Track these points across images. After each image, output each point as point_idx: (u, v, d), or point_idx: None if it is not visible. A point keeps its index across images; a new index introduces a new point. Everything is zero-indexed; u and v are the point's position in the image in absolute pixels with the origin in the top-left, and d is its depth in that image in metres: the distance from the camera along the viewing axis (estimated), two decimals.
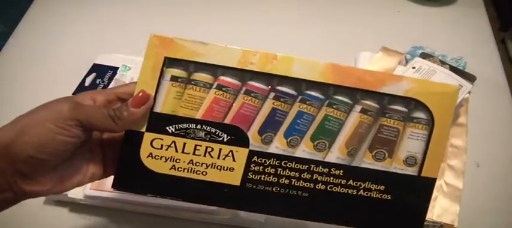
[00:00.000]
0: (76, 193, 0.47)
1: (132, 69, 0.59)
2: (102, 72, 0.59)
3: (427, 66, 0.58)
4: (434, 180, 0.36)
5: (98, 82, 0.58)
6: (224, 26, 0.74)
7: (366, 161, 0.36)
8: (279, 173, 0.35)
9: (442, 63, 0.59)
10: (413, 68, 0.58)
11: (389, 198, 0.35)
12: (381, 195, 0.35)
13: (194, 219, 0.49)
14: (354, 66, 0.66)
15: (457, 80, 0.56)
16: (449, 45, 0.68)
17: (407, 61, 0.63)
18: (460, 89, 0.55)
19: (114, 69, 0.59)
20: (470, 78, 0.57)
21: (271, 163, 0.35)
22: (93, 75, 0.59)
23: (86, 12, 0.75)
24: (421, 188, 0.36)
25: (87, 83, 0.58)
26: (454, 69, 0.58)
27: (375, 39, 0.69)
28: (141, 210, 0.49)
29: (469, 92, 0.56)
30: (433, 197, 0.51)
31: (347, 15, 0.78)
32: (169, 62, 0.35)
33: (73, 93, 0.56)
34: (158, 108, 0.35)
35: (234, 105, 0.35)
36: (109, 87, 0.57)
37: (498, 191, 0.54)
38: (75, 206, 0.49)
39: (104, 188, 0.47)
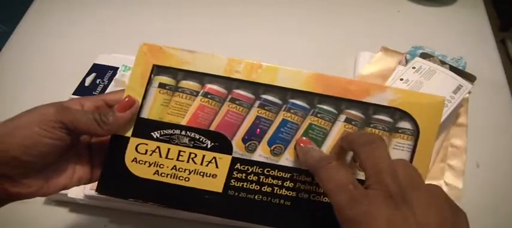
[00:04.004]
0: (76, 193, 0.47)
1: None
2: (102, 72, 0.59)
3: (427, 66, 0.58)
4: None
5: (98, 82, 0.58)
6: (224, 26, 0.74)
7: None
8: (261, 180, 0.35)
9: (442, 63, 0.59)
10: (413, 68, 0.58)
11: None
12: None
13: (194, 219, 0.49)
14: (353, 65, 0.66)
15: (457, 80, 0.56)
16: (449, 45, 0.68)
17: (407, 61, 0.63)
18: (461, 89, 0.55)
19: (114, 69, 0.59)
20: (470, 78, 0.57)
21: (254, 171, 0.35)
22: (93, 75, 0.59)
23: (86, 12, 0.75)
24: None
25: (87, 83, 0.58)
26: (454, 69, 0.58)
27: (375, 39, 0.69)
28: (141, 210, 0.49)
29: (469, 92, 0.56)
30: None
31: (347, 15, 0.78)
32: (158, 69, 0.36)
33: (73, 94, 0.56)
34: (145, 114, 0.35)
35: (219, 112, 0.36)
36: (108, 87, 0.57)
37: (498, 191, 0.54)
38: (75, 206, 0.50)
39: None
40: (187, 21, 0.74)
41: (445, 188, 0.52)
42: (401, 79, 0.57)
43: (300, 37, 0.73)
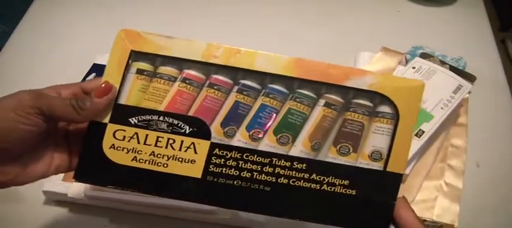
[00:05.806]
0: (76, 193, 0.47)
1: None
2: (102, 72, 0.59)
3: (427, 66, 0.58)
4: (400, 175, 0.35)
5: None
6: (225, 26, 0.74)
7: (331, 156, 0.35)
8: (240, 166, 0.35)
9: (442, 63, 0.59)
10: (413, 68, 0.58)
11: (354, 193, 0.34)
12: (345, 191, 0.34)
13: (194, 219, 0.49)
14: (353, 65, 0.66)
15: (457, 80, 0.56)
16: (449, 45, 0.68)
17: (407, 61, 0.63)
18: (461, 89, 0.55)
19: None
20: (470, 78, 0.57)
21: (233, 156, 0.35)
22: (93, 75, 0.59)
23: (86, 12, 0.75)
24: (386, 184, 0.35)
25: None
26: (454, 69, 0.58)
27: (375, 39, 0.69)
28: (141, 210, 0.49)
29: (469, 92, 0.56)
30: (433, 196, 0.52)
31: (347, 15, 0.78)
32: (136, 55, 0.35)
33: None
34: (123, 101, 0.35)
35: (197, 98, 0.35)
36: None
37: (498, 191, 0.54)
38: (75, 206, 0.50)
39: (104, 188, 0.47)
40: (188, 22, 0.74)
41: (445, 188, 0.52)
42: None
43: (299, 37, 0.73)
